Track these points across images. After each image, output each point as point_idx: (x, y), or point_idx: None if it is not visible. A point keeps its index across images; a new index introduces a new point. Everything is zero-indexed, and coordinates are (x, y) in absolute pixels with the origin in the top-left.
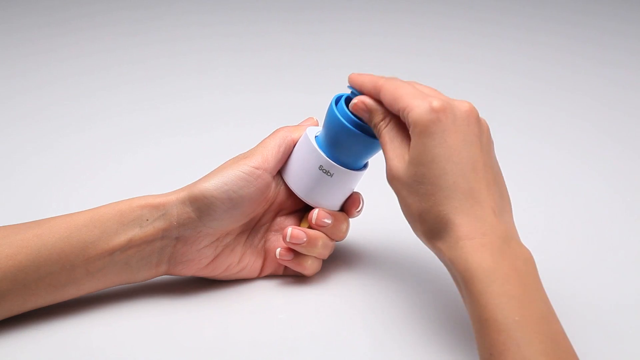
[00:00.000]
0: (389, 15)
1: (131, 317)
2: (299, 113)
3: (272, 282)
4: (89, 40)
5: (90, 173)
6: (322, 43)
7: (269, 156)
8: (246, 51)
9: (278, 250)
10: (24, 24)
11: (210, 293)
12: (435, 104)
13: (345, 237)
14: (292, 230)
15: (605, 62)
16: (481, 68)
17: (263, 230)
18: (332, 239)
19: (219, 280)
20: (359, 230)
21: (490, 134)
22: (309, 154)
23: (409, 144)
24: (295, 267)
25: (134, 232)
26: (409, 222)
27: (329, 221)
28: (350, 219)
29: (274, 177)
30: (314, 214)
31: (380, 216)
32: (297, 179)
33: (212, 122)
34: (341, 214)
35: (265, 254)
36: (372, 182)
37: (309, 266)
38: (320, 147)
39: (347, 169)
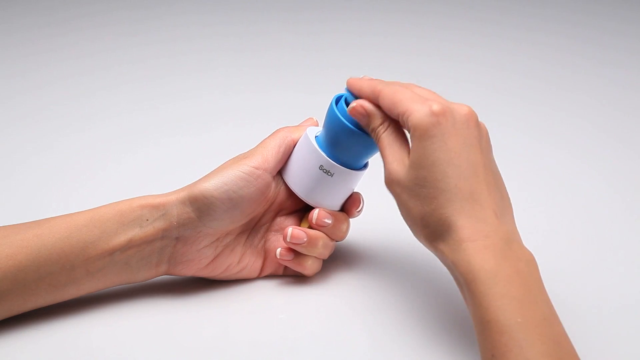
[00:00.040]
0: (389, 15)
1: (131, 317)
2: (299, 113)
3: (272, 282)
4: (89, 40)
5: (90, 173)
6: (322, 43)
7: (269, 156)
8: (246, 51)
9: (278, 250)
10: (24, 24)
11: (210, 293)
12: (435, 107)
13: (345, 237)
14: (293, 230)
15: (605, 62)
16: (481, 68)
17: (263, 230)
18: (332, 239)
19: (218, 280)
20: (359, 230)
21: (489, 138)
22: (309, 154)
23: (408, 148)
24: (295, 267)
25: (134, 232)
26: (410, 226)
27: (329, 221)
28: (350, 219)
29: (274, 177)
30: (315, 214)
31: (380, 216)
32: (298, 179)
33: (212, 122)
34: (341, 214)
35: (265, 254)
36: (372, 182)
37: (309, 266)
38: (321, 147)
39: (348, 168)
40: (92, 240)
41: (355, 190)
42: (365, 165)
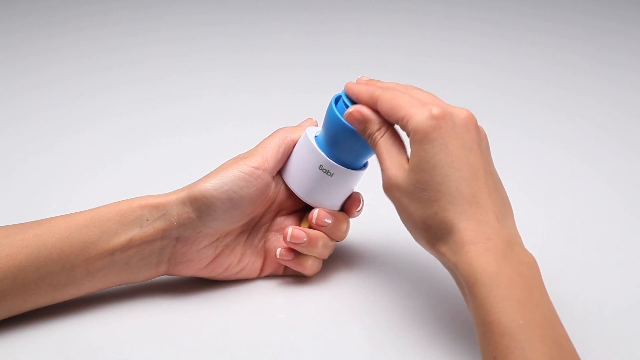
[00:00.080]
0: (389, 15)
1: (131, 317)
2: (298, 113)
3: (272, 282)
4: (89, 40)
5: (90, 173)
6: (322, 43)
7: (268, 156)
8: (246, 51)
9: (278, 250)
10: (24, 24)
11: (209, 293)
12: (435, 111)
13: (345, 237)
14: (293, 230)
15: (605, 62)
16: (481, 68)
17: (263, 231)
18: (332, 239)
19: (218, 280)
20: (359, 230)
21: (487, 141)
22: (309, 154)
23: (406, 153)
24: (295, 267)
25: (134, 232)
26: (410, 230)
27: (329, 221)
28: (350, 219)
29: (273, 177)
30: (315, 213)
31: (380, 216)
32: (297, 179)
33: (212, 122)
34: (341, 214)
35: (265, 254)
36: (372, 182)
37: (309, 266)
38: (320, 147)
39: (347, 168)
40: (92, 240)
41: (355, 190)
42: (365, 165)
